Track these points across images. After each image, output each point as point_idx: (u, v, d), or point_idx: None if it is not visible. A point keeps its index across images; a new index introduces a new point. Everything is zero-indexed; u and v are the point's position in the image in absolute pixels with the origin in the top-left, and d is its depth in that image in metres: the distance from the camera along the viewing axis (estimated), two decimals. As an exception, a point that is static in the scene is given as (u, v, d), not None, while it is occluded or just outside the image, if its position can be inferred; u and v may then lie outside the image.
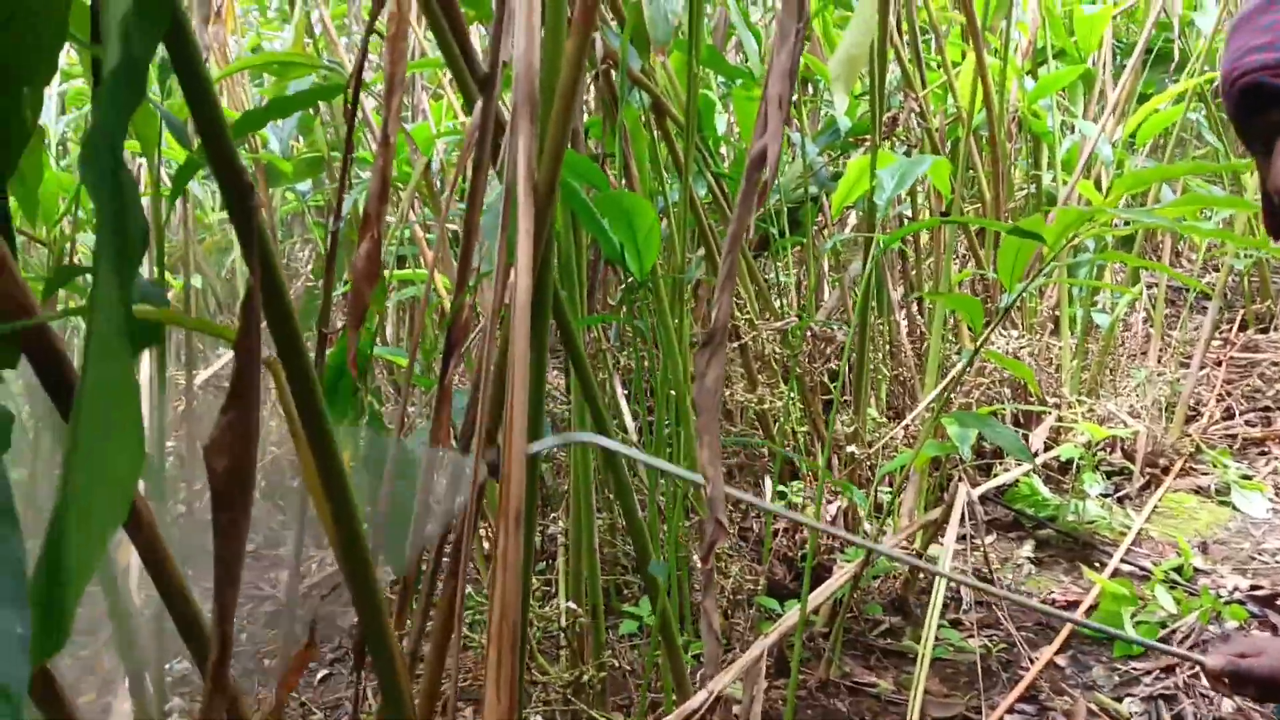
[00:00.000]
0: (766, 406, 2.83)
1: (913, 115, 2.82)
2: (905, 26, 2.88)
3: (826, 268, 3.57)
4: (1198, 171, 1.86)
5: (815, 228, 3.16)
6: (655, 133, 2.22)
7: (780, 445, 2.93)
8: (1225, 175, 4.72)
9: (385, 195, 1.01)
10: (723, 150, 3.53)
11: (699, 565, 2.54)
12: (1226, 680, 1.10)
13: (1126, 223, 2.23)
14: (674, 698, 1.69)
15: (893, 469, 2.29)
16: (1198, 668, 1.08)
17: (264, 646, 2.46)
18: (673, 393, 2.02)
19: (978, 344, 1.93)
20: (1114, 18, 3.45)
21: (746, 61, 2.84)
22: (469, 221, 1.28)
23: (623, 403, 2.56)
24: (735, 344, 2.91)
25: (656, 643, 1.71)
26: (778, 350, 2.92)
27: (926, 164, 1.91)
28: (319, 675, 2.34)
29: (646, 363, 2.79)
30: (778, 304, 3.07)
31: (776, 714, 1.98)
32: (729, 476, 3.07)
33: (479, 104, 1.27)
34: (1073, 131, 3.35)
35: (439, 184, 2.84)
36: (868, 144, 3.16)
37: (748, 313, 2.86)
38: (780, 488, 2.94)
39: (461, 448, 1.43)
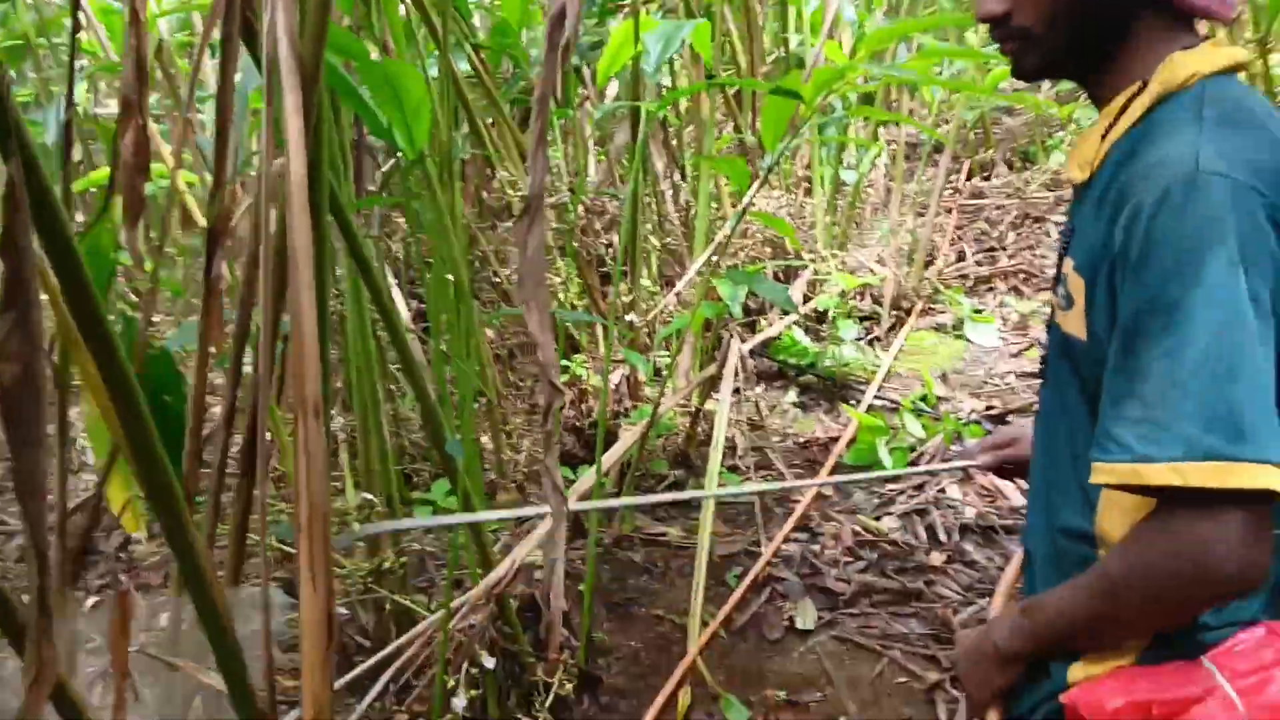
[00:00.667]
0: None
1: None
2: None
3: (591, 141, 3.58)
4: (931, 27, 2.00)
5: (578, 100, 3.14)
6: (408, 1, 2.12)
7: (559, 320, 2.98)
8: (954, 31, 5.06)
9: (144, 78, 0.93)
10: (476, 20, 3.42)
11: (492, 443, 2.58)
12: (1002, 470, 1.25)
13: (872, 80, 2.37)
14: (479, 571, 1.74)
15: (670, 333, 2.39)
16: (974, 473, 1.23)
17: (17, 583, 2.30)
18: (450, 276, 1.99)
19: (742, 204, 2.02)
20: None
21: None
22: (222, 103, 1.20)
23: (396, 292, 2.50)
24: (509, 221, 2.89)
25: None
26: (552, 225, 2.93)
27: (689, 27, 1.94)
28: (89, 604, 2.21)
29: (413, 249, 2.73)
30: (548, 179, 3.06)
31: (578, 572, 2.07)
32: (510, 356, 3.10)
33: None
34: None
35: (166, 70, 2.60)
36: (627, 10, 3.15)
37: (520, 189, 2.84)
38: (564, 361, 3.01)
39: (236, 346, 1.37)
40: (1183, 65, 0.79)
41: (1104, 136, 0.83)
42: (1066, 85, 5.05)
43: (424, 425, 1.72)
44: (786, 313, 3.02)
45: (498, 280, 3.10)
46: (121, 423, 0.67)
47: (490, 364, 2.65)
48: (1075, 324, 0.84)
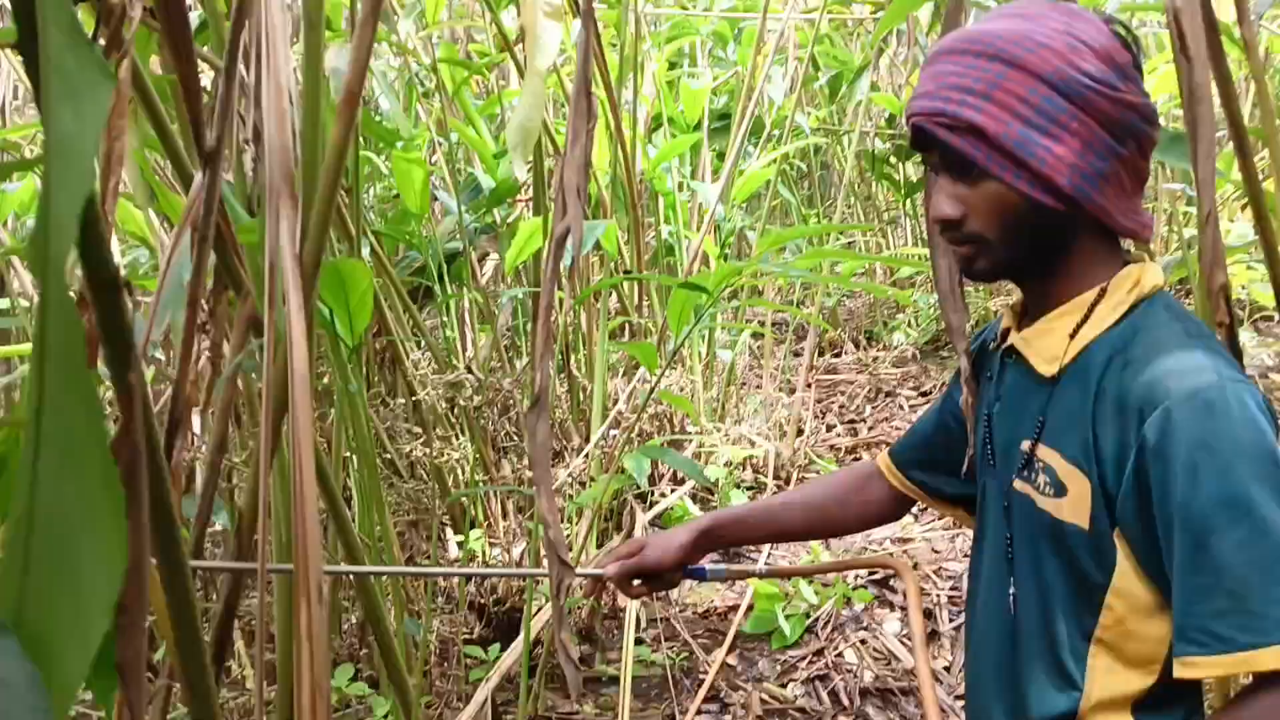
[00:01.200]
0: (444, 460, 2.90)
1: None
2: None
3: (472, 319, 3.69)
4: (820, 232, 2.28)
5: (480, 281, 3.29)
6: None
7: (457, 496, 3.01)
8: (804, 224, 5.54)
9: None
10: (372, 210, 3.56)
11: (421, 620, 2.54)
12: (632, 579, 1.27)
13: (760, 275, 2.63)
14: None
15: (582, 503, 2.47)
16: (608, 582, 1.28)
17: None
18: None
19: (654, 383, 2.17)
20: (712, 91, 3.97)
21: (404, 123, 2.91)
22: (193, 300, 1.26)
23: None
24: (410, 399, 2.95)
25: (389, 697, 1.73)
26: (450, 402, 3.01)
27: (602, 228, 2.12)
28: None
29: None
30: (448, 358, 3.15)
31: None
32: (411, 526, 3.09)
33: (199, 178, 1.26)
34: (682, 190, 3.80)
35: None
36: (523, 202, 3.36)
37: (422, 369, 2.92)
38: (458, 538, 3.02)
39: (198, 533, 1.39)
40: (1145, 278, 0.92)
41: (1072, 336, 0.93)
42: (905, 271, 5.58)
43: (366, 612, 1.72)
44: (679, 484, 3.15)
45: (388, 454, 3.12)
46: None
47: (394, 541, 2.64)
48: (1071, 512, 0.91)
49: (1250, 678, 0.81)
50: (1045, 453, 0.94)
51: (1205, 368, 0.83)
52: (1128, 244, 1.02)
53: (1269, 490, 0.79)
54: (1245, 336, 3.92)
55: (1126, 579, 0.88)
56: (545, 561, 1.03)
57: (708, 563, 1.34)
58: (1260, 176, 1.49)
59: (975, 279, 0.99)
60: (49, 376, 0.57)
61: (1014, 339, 1.01)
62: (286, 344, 1.10)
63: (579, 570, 1.36)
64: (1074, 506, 0.91)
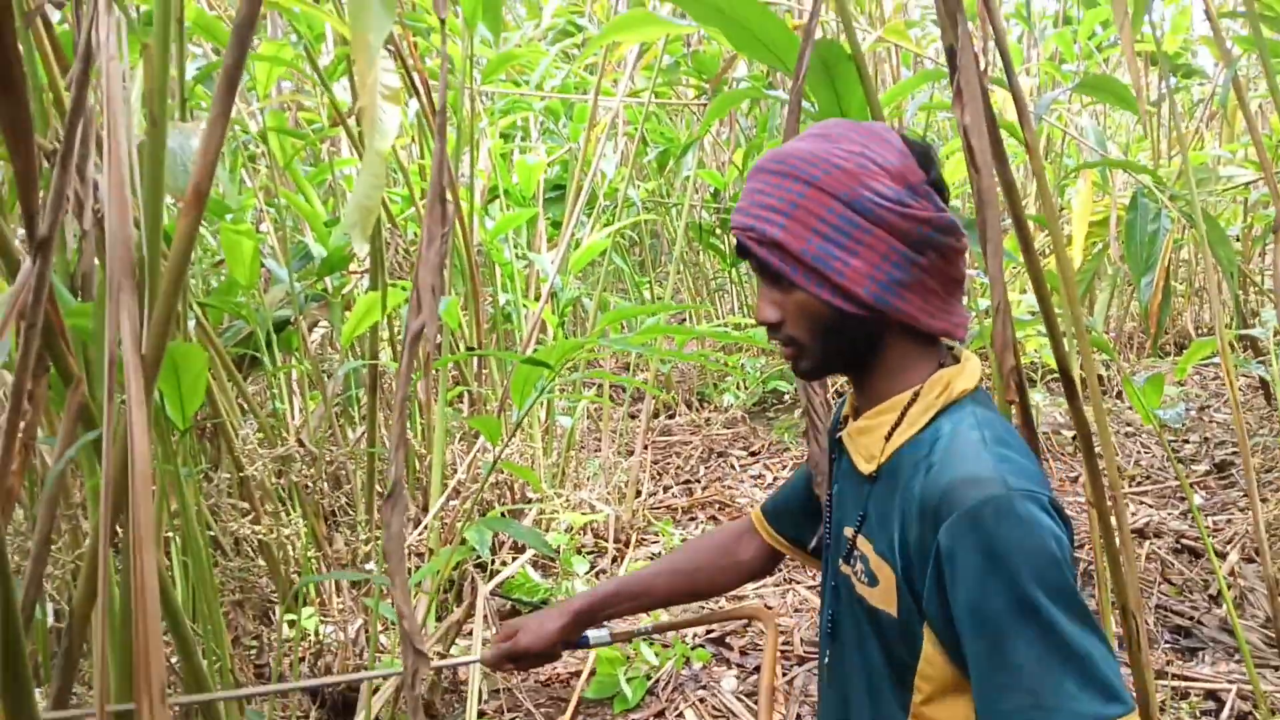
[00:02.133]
0: (274, 536, 2.81)
1: (399, 249, 3.07)
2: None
3: (302, 389, 3.62)
4: (656, 311, 2.40)
5: (309, 349, 3.23)
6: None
7: (286, 574, 2.93)
8: (636, 291, 5.69)
9: None
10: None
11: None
12: (507, 664, 1.34)
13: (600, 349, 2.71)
14: None
15: (421, 577, 2.45)
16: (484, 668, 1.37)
17: None
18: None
19: (497, 454, 2.20)
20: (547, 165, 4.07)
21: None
22: (19, 390, 1.23)
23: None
24: (237, 474, 2.85)
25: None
26: (279, 476, 2.93)
27: (444, 304, 2.15)
28: None
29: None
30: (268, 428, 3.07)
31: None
32: (237, 606, 2.96)
33: (28, 265, 1.24)
34: (519, 259, 3.86)
35: None
36: (363, 274, 3.34)
37: (250, 442, 2.83)
38: (290, 615, 2.92)
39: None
40: (956, 383, 0.99)
41: (887, 438, 1.00)
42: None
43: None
44: (520, 552, 3.16)
45: (211, 533, 2.99)
46: None
47: (222, 627, 2.53)
48: (882, 600, 0.98)
49: None
50: (862, 543, 1.02)
51: (994, 479, 0.89)
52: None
53: (1052, 593, 0.86)
54: (1038, 397, 4.30)
55: (932, 664, 0.96)
56: (400, 652, 1.05)
57: (591, 631, 1.39)
58: (1042, 256, 1.69)
59: (801, 377, 1.08)
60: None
61: (843, 433, 1.09)
62: (127, 436, 1.09)
63: (453, 659, 1.39)
64: (884, 595, 0.98)
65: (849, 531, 1.05)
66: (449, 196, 1.00)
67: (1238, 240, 4.89)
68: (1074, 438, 4.30)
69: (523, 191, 3.86)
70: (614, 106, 3.69)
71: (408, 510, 3.26)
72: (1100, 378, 4.87)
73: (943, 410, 0.99)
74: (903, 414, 1.01)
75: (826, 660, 1.12)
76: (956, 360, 1.06)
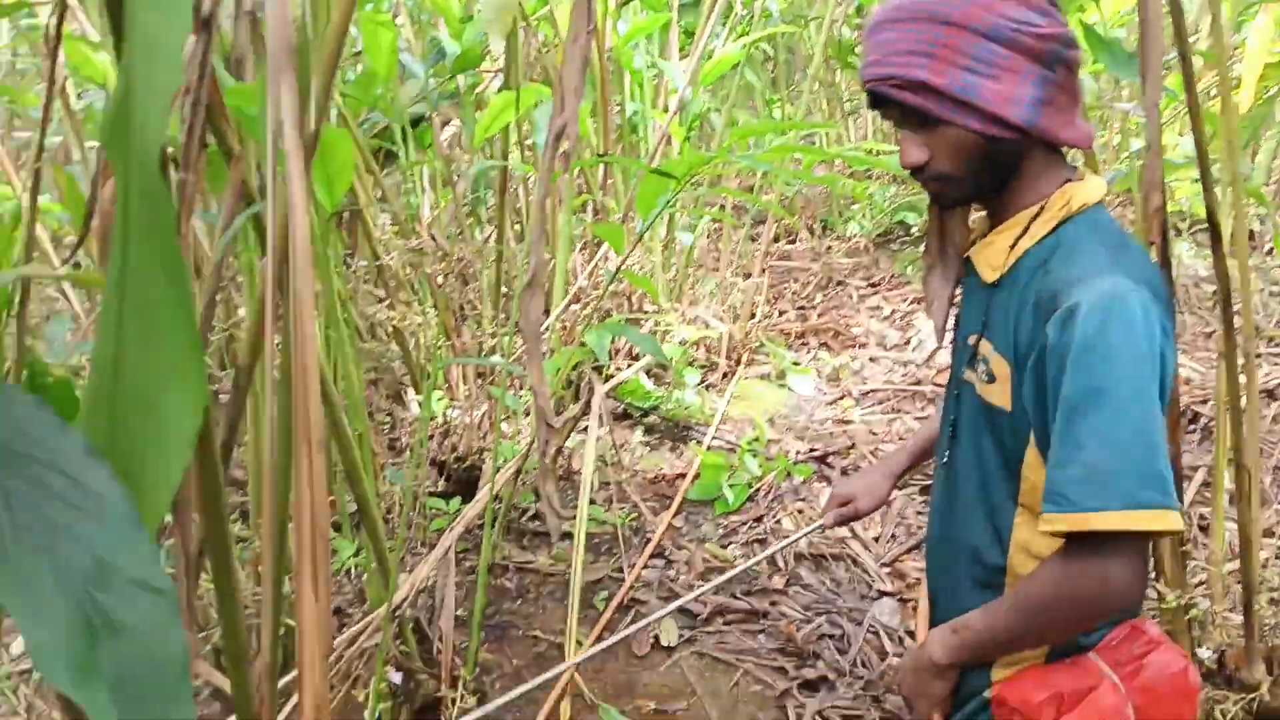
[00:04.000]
0: (406, 323, 2.98)
1: (532, 50, 3.05)
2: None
3: (434, 185, 3.71)
4: (787, 128, 2.34)
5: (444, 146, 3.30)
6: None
7: (417, 359, 3.11)
8: (768, 108, 5.54)
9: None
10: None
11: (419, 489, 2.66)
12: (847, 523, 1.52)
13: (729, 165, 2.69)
14: (382, 592, 1.86)
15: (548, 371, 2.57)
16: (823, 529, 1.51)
17: None
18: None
19: (619, 263, 2.26)
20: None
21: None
22: (186, 164, 1.32)
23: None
24: (375, 263, 3.00)
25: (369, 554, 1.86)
26: (413, 267, 3.07)
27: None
28: None
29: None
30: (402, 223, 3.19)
31: (459, 597, 2.21)
32: (372, 385, 3.19)
33: (192, 42, 1.30)
34: (649, 68, 3.80)
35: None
36: (496, 73, 3.35)
37: (385, 232, 2.96)
38: (419, 398, 3.12)
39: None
40: (1076, 196, 1.04)
41: (1012, 247, 1.07)
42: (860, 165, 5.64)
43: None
44: (635, 359, 3.27)
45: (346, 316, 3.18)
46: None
47: (361, 397, 2.74)
48: (999, 396, 1.05)
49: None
50: (984, 347, 1.10)
51: (1105, 279, 0.96)
52: (1077, 157, 1.13)
53: (1134, 391, 0.93)
54: (1184, 248, 4.11)
55: (1033, 452, 1.03)
56: (534, 426, 1.13)
57: None
58: (1209, 98, 1.60)
59: (945, 208, 1.15)
60: (133, 247, 0.66)
61: (971, 251, 1.15)
62: (289, 213, 1.17)
63: (808, 530, 1.57)
64: (1000, 391, 1.06)
65: (973, 339, 1.12)
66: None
67: None
68: (1214, 291, 4.12)
69: (660, -5, 3.75)
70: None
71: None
72: (1252, 232, 4.59)
73: (1064, 221, 1.05)
74: (1028, 227, 1.07)
75: (945, 459, 1.20)
76: (1081, 178, 1.09)
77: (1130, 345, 0.94)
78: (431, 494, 2.66)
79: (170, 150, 1.02)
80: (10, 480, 0.58)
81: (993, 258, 1.10)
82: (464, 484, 2.73)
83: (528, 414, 2.92)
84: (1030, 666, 1.07)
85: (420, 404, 3.08)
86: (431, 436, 2.93)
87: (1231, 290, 1.77)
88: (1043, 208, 1.06)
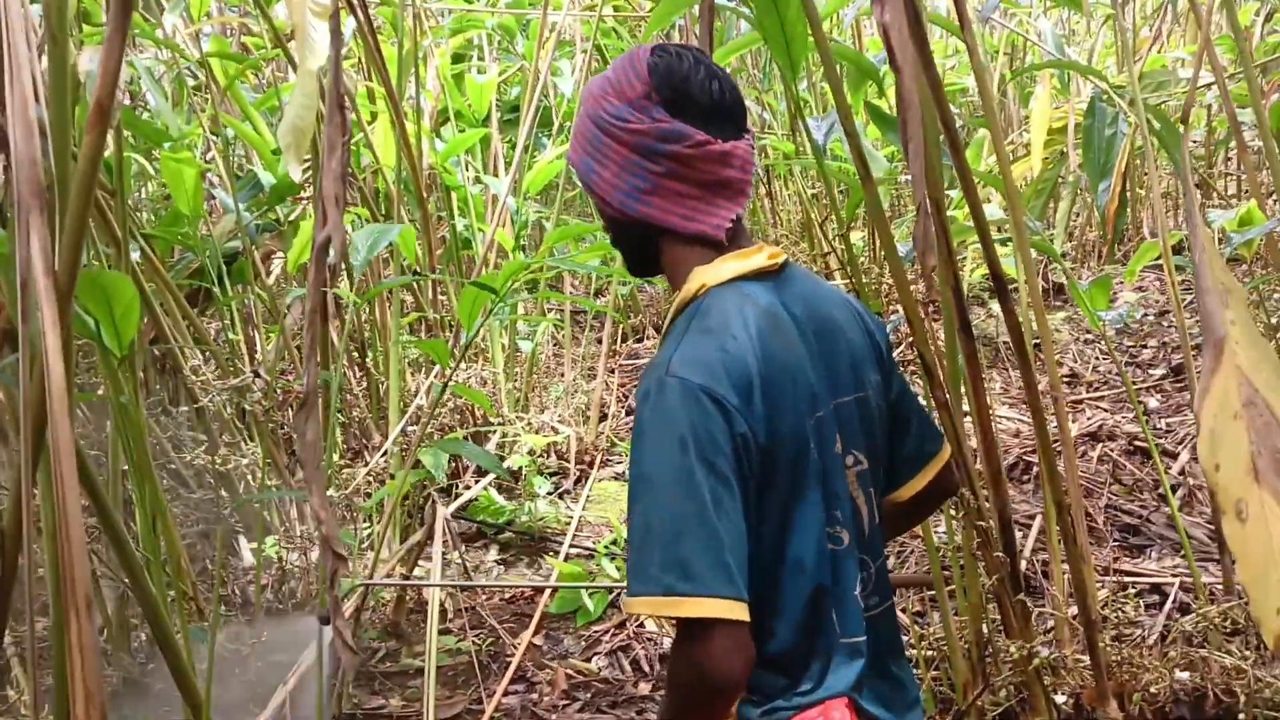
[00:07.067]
0: (231, 466, 2.81)
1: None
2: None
3: (257, 319, 3.58)
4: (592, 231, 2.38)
5: (267, 280, 3.20)
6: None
7: (240, 501, 2.94)
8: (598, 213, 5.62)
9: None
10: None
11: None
12: None
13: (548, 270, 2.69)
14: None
15: (379, 499, 2.47)
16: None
17: None
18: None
19: (446, 378, 2.20)
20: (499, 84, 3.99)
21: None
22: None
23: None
24: (192, 406, 2.84)
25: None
26: (238, 407, 2.92)
27: (396, 231, 2.13)
28: None
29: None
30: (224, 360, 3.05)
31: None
32: (200, 538, 2.98)
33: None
34: (476, 183, 3.81)
35: None
36: (305, 200, 3.29)
37: (204, 374, 2.82)
38: (252, 545, 2.94)
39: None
40: (696, 279, 1.07)
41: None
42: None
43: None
44: (483, 475, 3.19)
45: (173, 466, 3.00)
46: None
47: (182, 553, 2.55)
48: None
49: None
50: None
51: (664, 364, 0.99)
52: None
53: (669, 472, 0.95)
54: (995, 306, 4.32)
55: None
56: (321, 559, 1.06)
57: None
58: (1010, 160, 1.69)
59: (631, 275, 1.23)
60: None
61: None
62: (43, 358, 1.08)
63: None
64: None
65: None
66: (348, 104, 0.98)
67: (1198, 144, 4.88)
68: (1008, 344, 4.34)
69: (475, 112, 3.79)
70: (563, 18, 3.61)
71: (371, 438, 3.26)
72: (1061, 286, 4.90)
73: (685, 304, 1.08)
74: (679, 309, 1.10)
75: None
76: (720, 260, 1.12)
77: (663, 429, 0.96)
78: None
79: None
80: None
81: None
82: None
83: (371, 547, 2.78)
84: None
85: (253, 551, 2.90)
86: (266, 586, 2.75)
87: (1023, 338, 1.84)
88: (682, 292, 1.10)
